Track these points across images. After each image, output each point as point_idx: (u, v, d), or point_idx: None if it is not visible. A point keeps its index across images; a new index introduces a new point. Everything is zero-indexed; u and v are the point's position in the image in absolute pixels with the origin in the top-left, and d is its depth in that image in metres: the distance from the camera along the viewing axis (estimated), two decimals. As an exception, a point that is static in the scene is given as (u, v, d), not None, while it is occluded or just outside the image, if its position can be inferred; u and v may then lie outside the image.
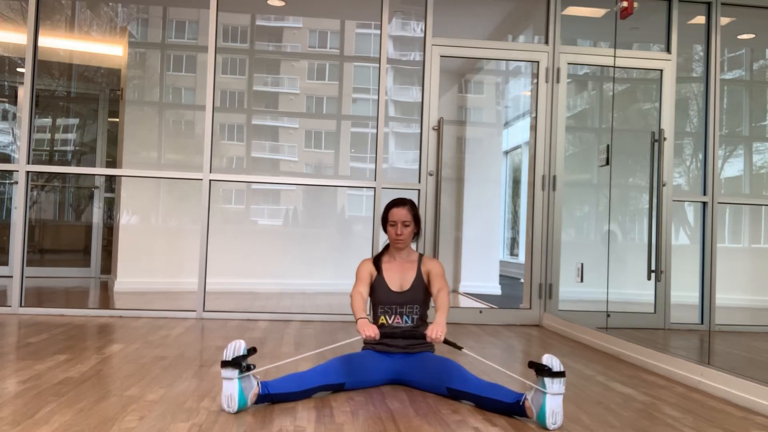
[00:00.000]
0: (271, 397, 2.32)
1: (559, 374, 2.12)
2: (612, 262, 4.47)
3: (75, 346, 3.28)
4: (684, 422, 2.33)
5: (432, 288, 2.67)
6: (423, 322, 2.73)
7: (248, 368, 2.23)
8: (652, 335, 4.42)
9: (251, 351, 2.27)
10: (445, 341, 2.40)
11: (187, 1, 5.74)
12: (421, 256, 2.81)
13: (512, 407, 2.25)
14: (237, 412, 2.21)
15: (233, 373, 2.19)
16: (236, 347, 2.23)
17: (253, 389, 2.25)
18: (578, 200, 5.23)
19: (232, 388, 2.19)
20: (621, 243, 5.10)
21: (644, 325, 4.65)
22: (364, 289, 2.66)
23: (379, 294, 2.71)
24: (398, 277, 2.73)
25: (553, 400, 2.13)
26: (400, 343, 2.66)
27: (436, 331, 2.36)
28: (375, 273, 2.75)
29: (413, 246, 2.86)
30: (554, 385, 2.12)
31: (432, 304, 2.68)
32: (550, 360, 2.15)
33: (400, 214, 2.71)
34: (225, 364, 2.20)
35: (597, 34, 5.27)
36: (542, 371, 2.14)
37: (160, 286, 5.53)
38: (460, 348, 2.46)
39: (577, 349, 3.78)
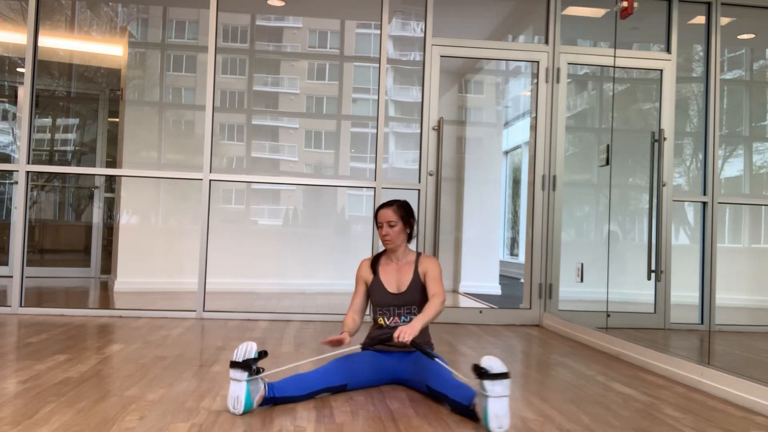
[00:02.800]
0: (275, 400, 2.31)
1: (500, 376, 2.03)
2: (612, 262, 4.47)
3: (75, 346, 3.28)
4: (684, 422, 2.33)
5: (428, 291, 2.65)
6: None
7: (257, 372, 2.21)
8: (652, 335, 4.42)
9: (262, 354, 2.25)
10: (413, 344, 2.35)
11: (187, 1, 5.74)
12: (419, 255, 2.80)
13: (467, 410, 2.19)
14: (241, 414, 2.21)
15: (242, 375, 2.17)
16: (247, 349, 2.21)
17: (260, 392, 2.24)
18: (578, 200, 5.23)
19: (239, 390, 2.18)
20: (621, 243, 5.10)
21: (644, 325, 4.65)
22: (360, 302, 2.77)
23: (376, 296, 2.72)
24: (395, 279, 2.73)
25: (495, 404, 2.03)
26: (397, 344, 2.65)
27: (403, 332, 2.32)
28: (371, 277, 2.77)
29: (412, 246, 2.85)
30: (495, 388, 2.02)
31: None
32: (489, 362, 2.05)
33: (386, 214, 2.72)
34: (235, 365, 2.18)
35: (597, 34, 5.27)
36: (481, 374, 2.03)
37: (160, 286, 5.53)
38: (430, 356, 2.37)
39: (577, 349, 3.78)
